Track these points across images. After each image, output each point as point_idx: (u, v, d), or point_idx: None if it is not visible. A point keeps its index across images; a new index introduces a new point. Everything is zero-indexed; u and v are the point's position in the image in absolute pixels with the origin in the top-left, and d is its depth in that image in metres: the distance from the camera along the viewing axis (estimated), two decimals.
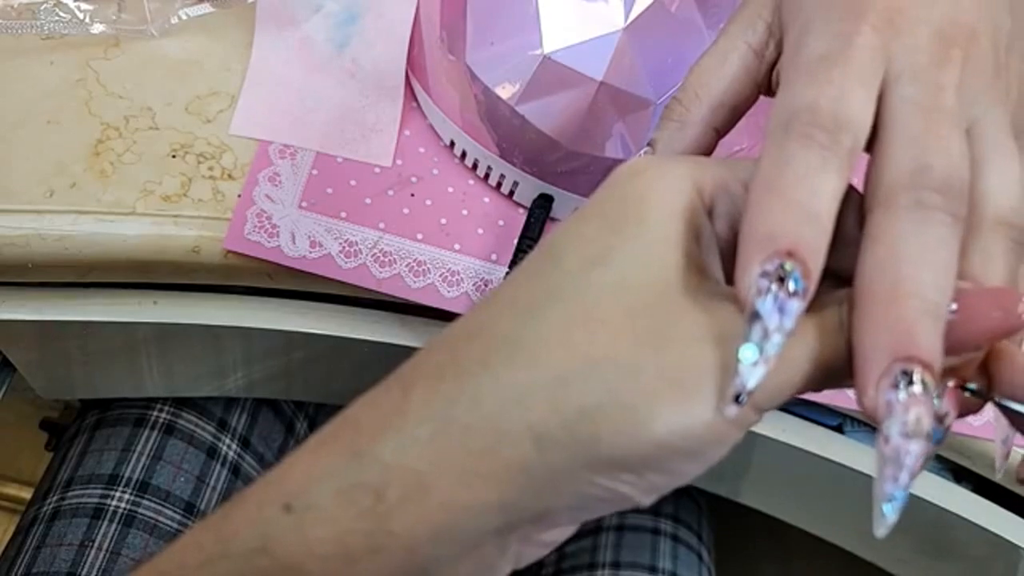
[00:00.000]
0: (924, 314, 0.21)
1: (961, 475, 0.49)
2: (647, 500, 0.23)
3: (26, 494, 0.63)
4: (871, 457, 0.48)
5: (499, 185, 0.43)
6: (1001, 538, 0.48)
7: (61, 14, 0.44)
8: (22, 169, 0.41)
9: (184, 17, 0.45)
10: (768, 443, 0.47)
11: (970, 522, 0.48)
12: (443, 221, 0.43)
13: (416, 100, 0.45)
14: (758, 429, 0.46)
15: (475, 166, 0.43)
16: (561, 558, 0.57)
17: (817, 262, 0.21)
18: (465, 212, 0.43)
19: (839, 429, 0.48)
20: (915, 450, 0.20)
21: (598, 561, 0.55)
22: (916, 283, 0.21)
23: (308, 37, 0.45)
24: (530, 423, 0.21)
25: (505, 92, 0.40)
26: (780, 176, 0.22)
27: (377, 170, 0.43)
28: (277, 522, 0.22)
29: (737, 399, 0.21)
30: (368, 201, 0.42)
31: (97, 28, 0.44)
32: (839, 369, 0.22)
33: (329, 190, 0.42)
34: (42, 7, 0.44)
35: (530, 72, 0.39)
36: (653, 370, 0.21)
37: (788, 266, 0.21)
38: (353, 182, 0.43)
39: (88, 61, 0.44)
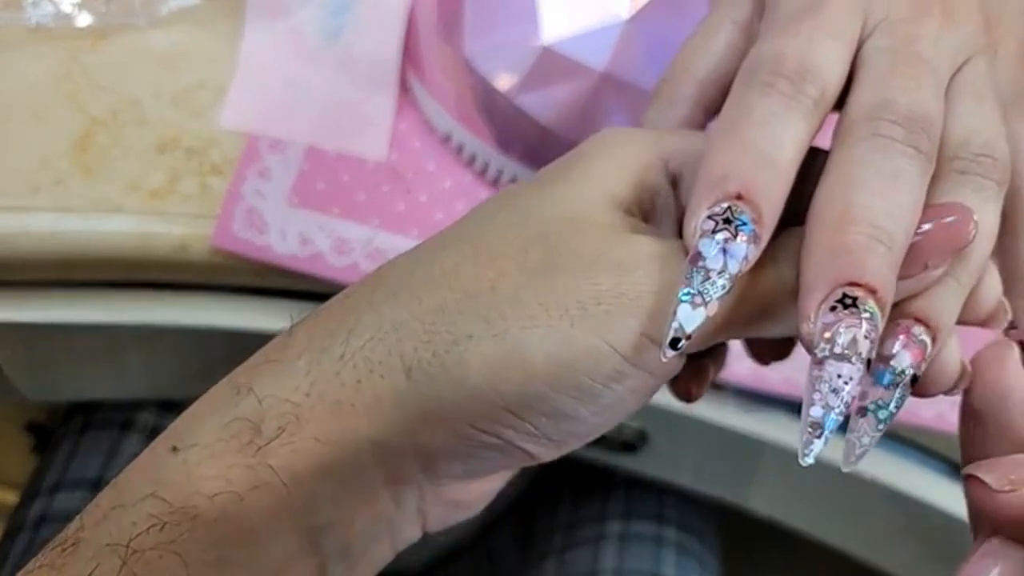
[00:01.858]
0: (873, 240, 0.20)
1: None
2: (540, 451, 0.23)
3: (11, 498, 0.63)
4: (878, 461, 0.47)
5: (497, 180, 0.43)
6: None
7: (48, 6, 0.43)
8: (6, 165, 0.41)
9: (174, 8, 0.44)
10: (774, 448, 0.46)
11: None
12: (440, 217, 0.42)
13: (411, 92, 0.44)
14: (765, 434, 0.45)
15: (473, 160, 0.43)
16: (563, 563, 0.56)
17: (771, 207, 0.21)
18: (462, 207, 0.42)
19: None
20: (848, 373, 0.19)
21: (600, 568, 0.54)
22: (866, 209, 0.20)
23: (300, 27, 0.44)
24: (403, 353, 0.21)
25: (503, 83, 0.39)
26: (738, 122, 0.21)
27: (371, 165, 0.42)
28: (165, 464, 0.21)
29: (674, 344, 0.20)
30: (361, 197, 0.41)
31: (84, 20, 0.44)
32: (777, 312, 0.22)
33: (321, 185, 0.41)
34: None
35: (529, 63, 0.38)
36: (535, 298, 0.21)
37: (737, 209, 0.20)
38: (346, 177, 0.42)
39: (74, 54, 0.43)
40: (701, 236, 0.20)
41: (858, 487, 0.47)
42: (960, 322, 0.22)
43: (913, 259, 0.21)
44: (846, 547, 0.54)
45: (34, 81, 0.42)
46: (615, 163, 0.23)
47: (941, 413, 0.43)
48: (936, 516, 0.48)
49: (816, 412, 0.20)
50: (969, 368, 0.23)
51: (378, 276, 0.23)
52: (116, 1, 0.44)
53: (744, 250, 0.20)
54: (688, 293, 0.20)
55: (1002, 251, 0.24)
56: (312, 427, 0.21)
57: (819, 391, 0.20)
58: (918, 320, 0.21)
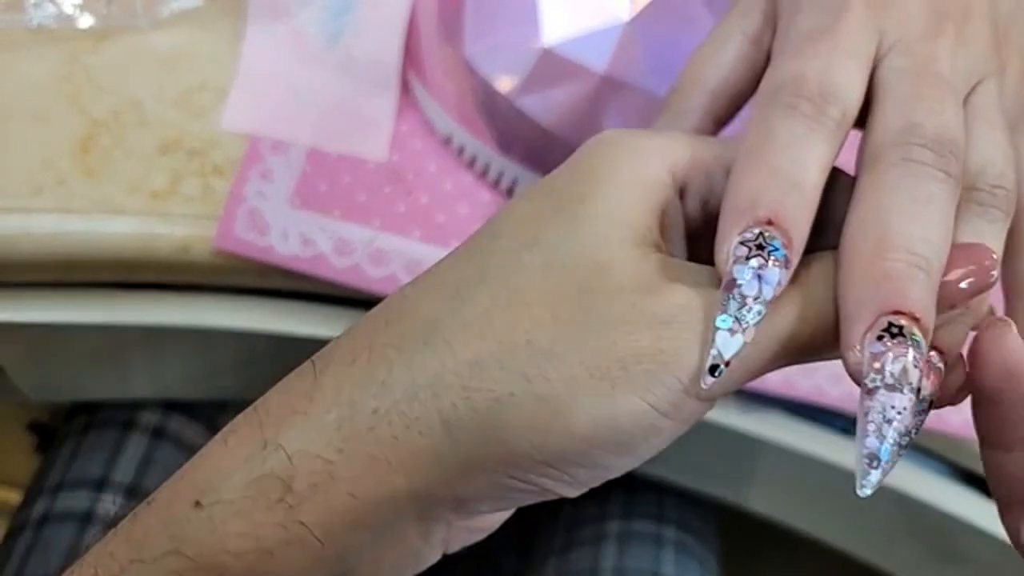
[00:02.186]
0: (912, 267, 0.20)
1: (970, 479, 0.49)
2: (573, 493, 0.23)
3: (14, 497, 0.63)
4: None
5: (498, 181, 0.42)
6: (1009, 543, 0.47)
7: (50, 7, 0.44)
8: (8, 166, 0.41)
9: (175, 9, 0.44)
10: (774, 448, 0.46)
11: (979, 527, 0.47)
12: (440, 219, 0.42)
13: (413, 94, 0.44)
14: (765, 434, 0.45)
15: (474, 162, 0.43)
16: (563, 562, 0.56)
17: (799, 232, 0.21)
18: (463, 209, 0.42)
19: (846, 433, 0.48)
20: (900, 403, 0.19)
21: (600, 567, 0.54)
22: (904, 236, 0.20)
23: (301, 29, 0.44)
24: (440, 409, 0.21)
25: (504, 85, 0.39)
26: (763, 146, 0.21)
27: (372, 166, 0.42)
28: (188, 520, 0.21)
29: (713, 371, 0.20)
30: (363, 198, 0.42)
31: (86, 21, 0.44)
32: (819, 340, 0.21)
33: (322, 187, 0.41)
34: (31, 0, 0.43)
35: (530, 65, 0.38)
36: (574, 356, 0.20)
37: (768, 234, 0.20)
38: (347, 178, 0.42)
39: (76, 55, 0.43)
40: (735, 263, 0.20)
41: None
42: None
43: (942, 301, 0.21)
44: (846, 547, 0.54)
45: (36, 82, 0.42)
46: (629, 190, 0.22)
47: (940, 415, 0.43)
48: (936, 516, 0.47)
49: (872, 443, 0.20)
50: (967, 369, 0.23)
51: (403, 314, 0.22)
52: (118, 2, 0.44)
53: (778, 275, 0.20)
54: (725, 320, 0.20)
55: (1004, 268, 0.24)
56: (346, 484, 0.21)
57: (873, 422, 0.20)
58: (935, 348, 0.21)
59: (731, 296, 0.20)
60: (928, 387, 0.21)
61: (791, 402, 0.44)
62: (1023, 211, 0.24)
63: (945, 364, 0.21)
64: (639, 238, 0.22)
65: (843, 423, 0.47)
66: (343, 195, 0.41)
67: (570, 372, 0.20)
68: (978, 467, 0.45)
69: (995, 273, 0.21)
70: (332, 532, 0.21)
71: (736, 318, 0.20)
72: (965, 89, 0.23)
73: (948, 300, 0.21)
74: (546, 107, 0.39)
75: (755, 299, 0.20)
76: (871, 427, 0.20)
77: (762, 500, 0.53)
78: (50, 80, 0.43)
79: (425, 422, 0.21)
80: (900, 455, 0.20)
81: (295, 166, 0.42)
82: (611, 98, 0.38)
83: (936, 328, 0.21)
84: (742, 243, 0.20)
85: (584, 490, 0.23)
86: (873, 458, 0.20)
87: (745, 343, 0.20)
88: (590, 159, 0.23)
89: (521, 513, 0.67)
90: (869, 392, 0.20)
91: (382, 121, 0.43)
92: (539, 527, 0.60)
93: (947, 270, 0.21)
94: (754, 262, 0.20)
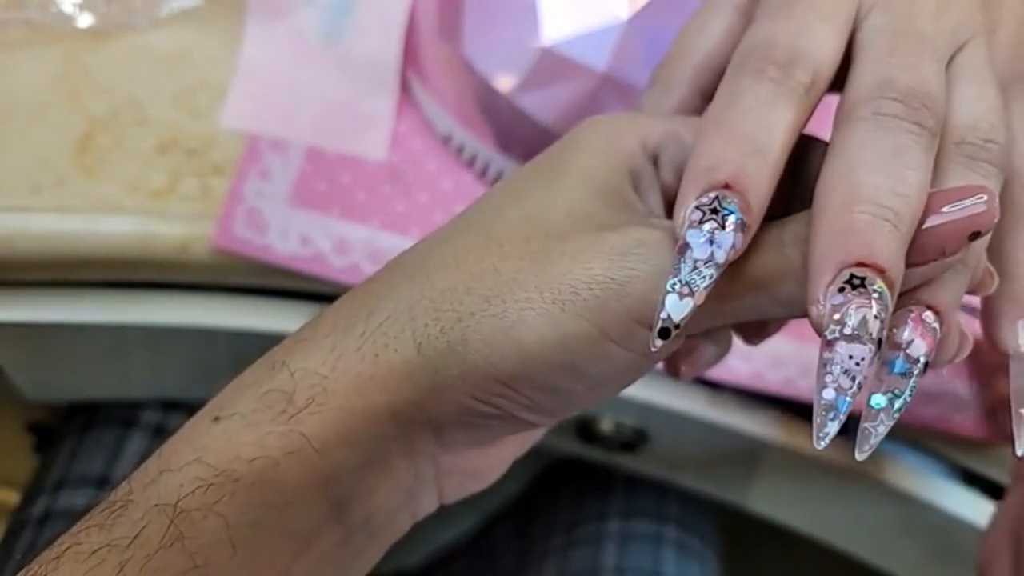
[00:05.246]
0: (879, 219, 0.20)
1: (970, 479, 0.49)
2: (537, 419, 0.24)
3: (13, 498, 0.63)
4: (879, 462, 0.47)
5: (498, 180, 0.42)
6: None
7: (49, 6, 0.43)
8: (7, 165, 0.41)
9: (174, 8, 0.44)
10: (774, 448, 0.46)
11: (979, 527, 0.47)
12: (440, 218, 0.42)
13: (412, 93, 0.44)
14: (765, 434, 0.45)
15: (473, 161, 0.42)
16: (563, 562, 0.56)
17: (759, 195, 0.21)
18: (462, 208, 0.42)
19: (845, 433, 0.47)
20: (859, 354, 0.19)
21: (600, 566, 0.54)
22: (870, 188, 0.20)
23: (300, 28, 0.44)
24: (414, 330, 0.23)
25: (503, 84, 0.39)
26: (727, 111, 0.21)
27: (371, 165, 0.42)
28: (208, 433, 0.23)
29: (664, 334, 0.20)
30: (362, 197, 0.41)
31: (85, 20, 0.44)
32: (779, 291, 0.22)
33: (321, 186, 0.41)
34: None
35: (529, 64, 0.38)
36: (532, 282, 0.22)
37: (724, 198, 0.20)
38: (346, 177, 0.42)
39: (75, 54, 0.43)
40: (689, 227, 0.21)
41: (858, 487, 0.47)
42: None
43: (930, 246, 0.20)
44: (846, 547, 0.54)
45: (35, 81, 0.42)
46: (601, 156, 0.24)
47: (944, 414, 0.43)
48: (936, 516, 0.47)
49: (829, 395, 0.20)
50: (968, 336, 0.23)
51: (397, 262, 0.25)
52: (117, 2, 0.44)
53: (732, 239, 0.20)
54: (675, 283, 0.20)
55: (990, 250, 0.24)
56: (337, 398, 0.23)
57: (831, 373, 0.20)
58: (929, 307, 0.21)
59: (683, 260, 0.20)
60: (924, 347, 0.20)
61: (791, 402, 0.44)
62: (1012, 183, 0.24)
63: (942, 324, 0.21)
64: (608, 195, 0.24)
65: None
66: (342, 194, 0.41)
67: (526, 295, 0.22)
68: (978, 467, 0.46)
69: (995, 213, 0.20)
70: (326, 443, 0.23)
71: (686, 282, 0.20)
72: (950, 49, 0.23)
73: (936, 244, 0.20)
74: (545, 106, 0.39)
75: (706, 263, 0.20)
76: (828, 378, 0.20)
77: (762, 500, 0.53)
78: (49, 79, 0.42)
79: (400, 341, 0.23)
80: (892, 422, 0.21)
81: (294, 165, 0.42)
82: (610, 97, 0.38)
83: (930, 285, 0.21)
84: (697, 207, 0.21)
85: (552, 420, 0.25)
86: (831, 408, 0.20)
87: (695, 306, 0.20)
88: (573, 136, 0.25)
89: (521, 512, 0.66)
90: (829, 344, 0.20)
91: (381, 120, 0.43)
92: (538, 526, 0.60)
93: (929, 213, 0.20)
94: (707, 226, 0.20)
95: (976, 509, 0.47)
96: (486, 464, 0.28)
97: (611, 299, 0.22)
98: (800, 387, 0.43)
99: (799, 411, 0.47)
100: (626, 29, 0.37)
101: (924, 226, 0.20)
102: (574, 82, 0.38)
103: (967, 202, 0.20)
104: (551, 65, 0.38)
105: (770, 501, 0.53)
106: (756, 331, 0.30)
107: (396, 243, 0.41)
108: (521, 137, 0.40)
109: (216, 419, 0.23)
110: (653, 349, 0.21)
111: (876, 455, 0.46)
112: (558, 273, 0.22)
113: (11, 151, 0.41)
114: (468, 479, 0.27)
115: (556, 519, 0.59)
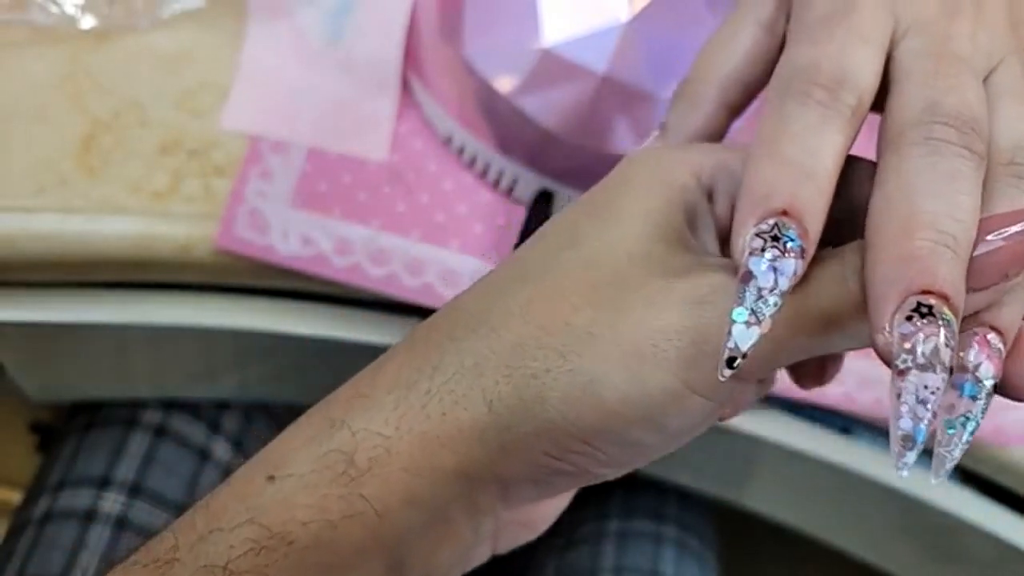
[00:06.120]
0: (940, 245, 0.19)
1: (970, 479, 0.49)
2: (609, 472, 0.24)
3: (15, 498, 0.63)
4: (879, 461, 0.47)
5: (498, 181, 0.43)
6: (1009, 543, 0.47)
7: (51, 7, 0.44)
8: (9, 166, 0.41)
9: (176, 10, 0.44)
10: (774, 448, 0.46)
11: (978, 526, 0.47)
12: (440, 218, 0.42)
13: (413, 94, 0.44)
14: (764, 433, 0.45)
15: (473, 162, 0.43)
16: (563, 561, 0.56)
17: (815, 221, 0.21)
18: (463, 209, 0.42)
19: (846, 433, 0.48)
20: (933, 383, 0.19)
21: (600, 566, 0.54)
22: (929, 215, 0.20)
23: (301, 29, 0.44)
24: (484, 387, 0.22)
25: (504, 86, 0.39)
26: (776, 136, 0.21)
27: (372, 166, 0.42)
28: (262, 492, 0.22)
29: (731, 364, 0.20)
30: (363, 198, 0.42)
31: (87, 22, 0.44)
32: (846, 324, 0.21)
33: (323, 186, 0.41)
34: (32, 0, 0.43)
35: (529, 65, 0.38)
36: (608, 336, 0.22)
37: (783, 225, 0.20)
38: (347, 178, 0.42)
39: (78, 55, 0.43)
40: (750, 255, 0.20)
41: (858, 487, 0.47)
42: None
43: (993, 270, 0.20)
44: (846, 547, 0.54)
45: (37, 82, 0.42)
46: (656, 193, 0.24)
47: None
48: (936, 516, 0.47)
49: (906, 424, 0.19)
50: None
51: (456, 309, 0.24)
52: (119, 3, 0.44)
53: (793, 265, 0.20)
54: (741, 312, 0.20)
55: None
56: (401, 459, 0.22)
57: (906, 403, 0.19)
58: (992, 328, 0.21)
59: (747, 288, 0.20)
60: (992, 369, 0.20)
61: (791, 402, 0.44)
62: None
63: (1005, 344, 0.21)
64: (668, 234, 0.23)
65: (843, 423, 0.47)
66: (343, 195, 0.41)
67: (603, 350, 0.22)
68: (978, 467, 0.46)
69: None
70: (388, 507, 0.22)
71: (752, 310, 0.20)
72: (986, 68, 0.23)
73: (999, 267, 0.20)
74: (546, 107, 0.39)
75: (771, 291, 0.20)
76: (904, 408, 0.19)
77: (762, 499, 0.53)
78: (52, 80, 0.43)
79: (470, 399, 0.22)
80: (967, 446, 0.20)
81: (295, 166, 0.42)
82: (610, 98, 0.38)
83: (991, 307, 0.21)
84: (757, 235, 0.20)
85: (621, 473, 0.24)
86: (908, 439, 0.19)
87: (762, 335, 0.20)
88: (621, 171, 0.25)
89: None
90: (901, 373, 0.19)
91: (382, 121, 0.43)
92: None
93: (982, 237, 0.20)
94: (769, 253, 0.20)
95: (976, 509, 0.47)
96: (540, 515, 0.27)
97: (692, 350, 0.21)
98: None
99: (799, 411, 0.47)
100: (626, 31, 0.37)
101: (984, 250, 0.20)
102: (574, 84, 0.38)
103: (1016, 226, 0.20)
104: (551, 67, 0.38)
105: (770, 501, 0.53)
106: (815, 376, 0.30)
107: (397, 243, 0.41)
108: (521, 138, 0.40)
109: (271, 478, 0.23)
110: (720, 379, 0.20)
111: (875, 455, 0.47)
112: (633, 325, 0.22)
113: (14, 152, 0.41)
114: (521, 530, 0.27)
115: (556, 519, 0.59)
